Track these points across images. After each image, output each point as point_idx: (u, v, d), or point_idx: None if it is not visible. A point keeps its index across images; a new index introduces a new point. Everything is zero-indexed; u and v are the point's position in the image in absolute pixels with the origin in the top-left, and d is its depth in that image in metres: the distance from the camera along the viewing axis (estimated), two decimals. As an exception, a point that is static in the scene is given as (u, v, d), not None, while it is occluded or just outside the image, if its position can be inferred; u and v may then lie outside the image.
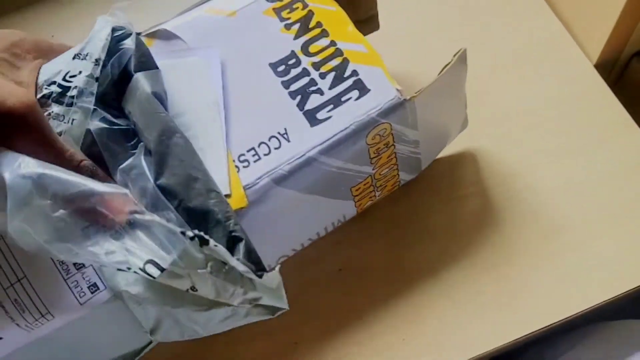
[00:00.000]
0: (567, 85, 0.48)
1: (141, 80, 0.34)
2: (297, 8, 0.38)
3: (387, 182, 0.40)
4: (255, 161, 0.34)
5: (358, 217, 0.41)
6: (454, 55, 0.37)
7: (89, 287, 0.31)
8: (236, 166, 0.34)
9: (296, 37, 0.37)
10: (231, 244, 0.31)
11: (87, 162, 0.32)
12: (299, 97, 0.36)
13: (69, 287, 0.31)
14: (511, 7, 0.52)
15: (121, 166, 0.33)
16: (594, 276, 0.42)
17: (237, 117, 0.35)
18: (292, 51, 0.37)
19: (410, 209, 0.44)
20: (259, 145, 0.35)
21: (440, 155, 0.45)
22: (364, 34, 0.39)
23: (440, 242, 0.43)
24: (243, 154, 0.34)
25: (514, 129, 0.47)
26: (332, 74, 0.36)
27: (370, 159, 0.37)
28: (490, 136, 0.46)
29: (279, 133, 0.35)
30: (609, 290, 0.41)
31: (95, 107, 0.34)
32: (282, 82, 0.36)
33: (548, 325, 0.40)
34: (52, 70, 0.35)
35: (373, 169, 0.38)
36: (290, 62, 0.36)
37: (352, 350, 0.41)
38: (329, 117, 0.35)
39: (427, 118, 0.38)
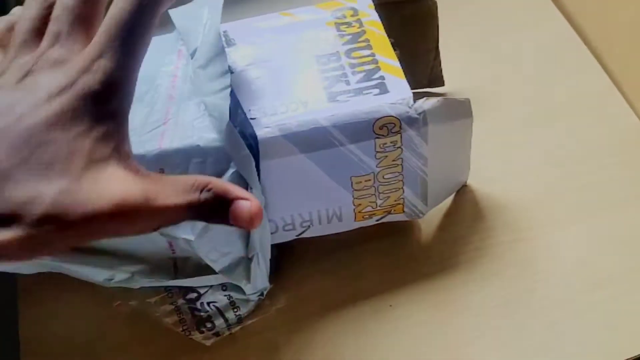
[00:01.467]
0: (613, 139, 0.50)
1: None
2: (355, 26, 0.45)
3: (390, 192, 0.43)
4: (271, 115, 0.40)
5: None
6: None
7: None
8: (254, 117, 0.40)
9: (345, 43, 0.44)
10: None
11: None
12: (327, 82, 0.41)
13: None
14: (560, 60, 0.56)
15: None
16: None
17: (272, 82, 0.41)
18: (337, 51, 0.43)
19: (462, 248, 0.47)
20: (280, 105, 0.40)
21: (490, 198, 0.48)
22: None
23: (487, 287, 0.45)
24: (264, 108, 0.40)
25: (555, 178, 0.49)
26: (363, 74, 0.42)
27: (375, 152, 0.41)
28: (533, 184, 0.49)
29: (299, 100, 0.40)
30: None
31: None
32: (320, 69, 0.42)
33: None
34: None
35: (377, 166, 0.41)
36: (333, 58, 0.43)
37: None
38: (347, 101, 0.40)
39: (440, 142, 0.42)
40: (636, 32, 0.52)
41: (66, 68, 0.28)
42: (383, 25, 0.45)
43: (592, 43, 0.56)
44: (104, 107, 0.27)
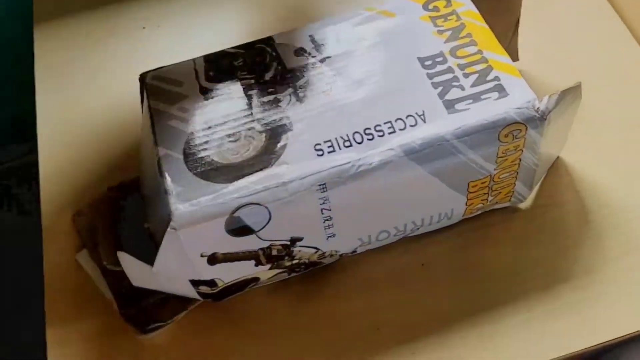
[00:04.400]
0: None
1: None
2: (452, 19, 0.42)
3: (502, 189, 0.42)
4: (389, 133, 0.37)
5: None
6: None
7: None
8: (370, 134, 0.37)
9: (447, 41, 0.41)
10: None
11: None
12: (440, 88, 0.39)
13: None
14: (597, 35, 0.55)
15: None
16: None
17: (380, 95, 0.39)
18: (441, 51, 0.40)
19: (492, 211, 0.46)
20: (395, 120, 0.38)
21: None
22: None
23: (519, 248, 0.45)
24: (379, 125, 0.37)
25: (601, 142, 0.49)
26: (475, 75, 0.39)
27: (497, 157, 0.39)
28: (575, 149, 0.48)
29: (416, 114, 0.38)
30: None
31: None
32: (427, 74, 0.39)
33: (621, 336, 0.41)
34: None
35: (495, 169, 0.40)
36: (438, 60, 0.40)
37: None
38: (467, 109, 0.38)
39: (552, 131, 0.40)
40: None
41: None
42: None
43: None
44: None
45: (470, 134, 0.37)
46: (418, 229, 0.43)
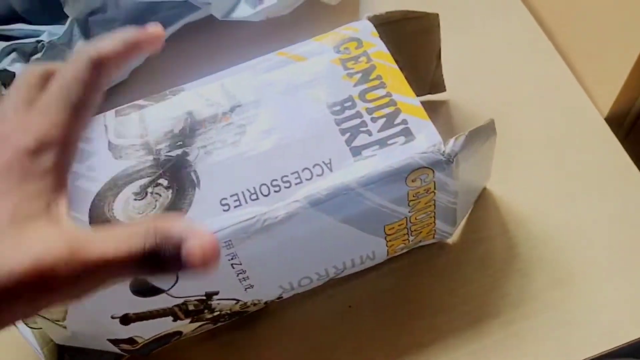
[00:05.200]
0: (576, 133, 0.50)
1: None
2: (362, 61, 0.41)
3: (422, 228, 0.41)
4: (296, 184, 0.37)
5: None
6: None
7: None
8: (277, 186, 0.37)
9: (356, 84, 0.40)
10: None
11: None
12: (347, 134, 0.38)
13: None
14: (522, 53, 0.55)
15: None
16: (598, 323, 0.43)
17: (288, 144, 0.38)
18: (350, 95, 0.40)
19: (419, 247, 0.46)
20: (303, 170, 0.37)
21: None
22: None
23: (447, 285, 0.45)
24: (286, 176, 0.37)
25: (517, 174, 0.49)
26: (383, 119, 0.39)
27: (408, 201, 0.38)
28: (502, 179, 0.48)
29: (323, 162, 0.37)
30: (613, 339, 0.42)
31: None
32: (335, 120, 0.39)
33: None
34: None
35: (410, 212, 0.39)
36: (347, 105, 0.39)
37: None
38: (374, 155, 0.37)
39: (467, 170, 0.39)
40: (597, 24, 0.50)
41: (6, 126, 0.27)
42: (386, 42, 0.42)
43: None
44: (35, 164, 0.26)
45: (376, 181, 0.37)
46: (342, 271, 0.43)
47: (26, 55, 0.54)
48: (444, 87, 0.51)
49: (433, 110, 0.52)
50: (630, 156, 0.49)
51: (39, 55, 0.53)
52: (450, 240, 0.46)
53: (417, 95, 0.51)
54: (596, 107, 0.51)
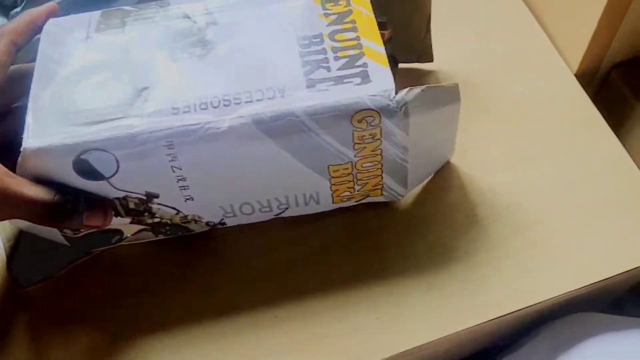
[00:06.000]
0: (547, 91, 0.52)
1: None
2: (341, 5, 0.42)
3: (369, 179, 0.42)
4: (246, 102, 0.38)
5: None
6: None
7: None
8: (227, 100, 0.38)
9: (329, 24, 0.41)
10: None
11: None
12: (307, 67, 0.39)
13: None
14: (500, 18, 0.57)
15: None
16: (557, 269, 0.45)
17: (250, 66, 0.39)
18: (320, 33, 0.41)
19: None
20: (256, 91, 0.38)
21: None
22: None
23: (418, 230, 0.47)
24: (239, 93, 0.38)
25: (491, 128, 0.51)
26: (346, 59, 0.40)
27: (353, 143, 0.39)
28: (468, 132, 0.49)
29: (277, 87, 0.39)
30: (572, 282, 0.44)
31: None
32: (300, 52, 0.40)
33: (511, 312, 0.43)
34: None
35: (355, 156, 0.40)
36: (315, 40, 0.41)
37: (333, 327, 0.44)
38: (326, 90, 0.38)
39: (421, 128, 0.40)
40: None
41: None
42: (377, 3, 0.43)
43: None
44: None
45: (322, 113, 0.38)
46: (286, 208, 0.44)
47: (7, 10, 0.56)
48: (432, 56, 0.52)
49: (418, 77, 0.53)
50: (600, 111, 0.51)
51: (18, 9, 0.54)
52: (409, 199, 0.47)
53: (404, 61, 0.53)
54: (567, 64, 0.53)
